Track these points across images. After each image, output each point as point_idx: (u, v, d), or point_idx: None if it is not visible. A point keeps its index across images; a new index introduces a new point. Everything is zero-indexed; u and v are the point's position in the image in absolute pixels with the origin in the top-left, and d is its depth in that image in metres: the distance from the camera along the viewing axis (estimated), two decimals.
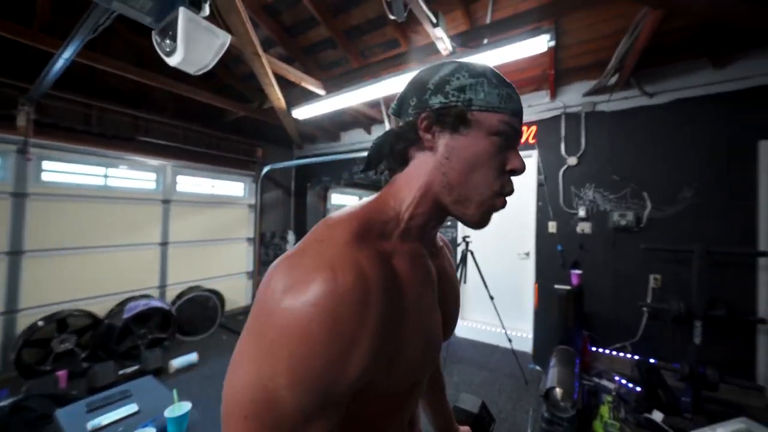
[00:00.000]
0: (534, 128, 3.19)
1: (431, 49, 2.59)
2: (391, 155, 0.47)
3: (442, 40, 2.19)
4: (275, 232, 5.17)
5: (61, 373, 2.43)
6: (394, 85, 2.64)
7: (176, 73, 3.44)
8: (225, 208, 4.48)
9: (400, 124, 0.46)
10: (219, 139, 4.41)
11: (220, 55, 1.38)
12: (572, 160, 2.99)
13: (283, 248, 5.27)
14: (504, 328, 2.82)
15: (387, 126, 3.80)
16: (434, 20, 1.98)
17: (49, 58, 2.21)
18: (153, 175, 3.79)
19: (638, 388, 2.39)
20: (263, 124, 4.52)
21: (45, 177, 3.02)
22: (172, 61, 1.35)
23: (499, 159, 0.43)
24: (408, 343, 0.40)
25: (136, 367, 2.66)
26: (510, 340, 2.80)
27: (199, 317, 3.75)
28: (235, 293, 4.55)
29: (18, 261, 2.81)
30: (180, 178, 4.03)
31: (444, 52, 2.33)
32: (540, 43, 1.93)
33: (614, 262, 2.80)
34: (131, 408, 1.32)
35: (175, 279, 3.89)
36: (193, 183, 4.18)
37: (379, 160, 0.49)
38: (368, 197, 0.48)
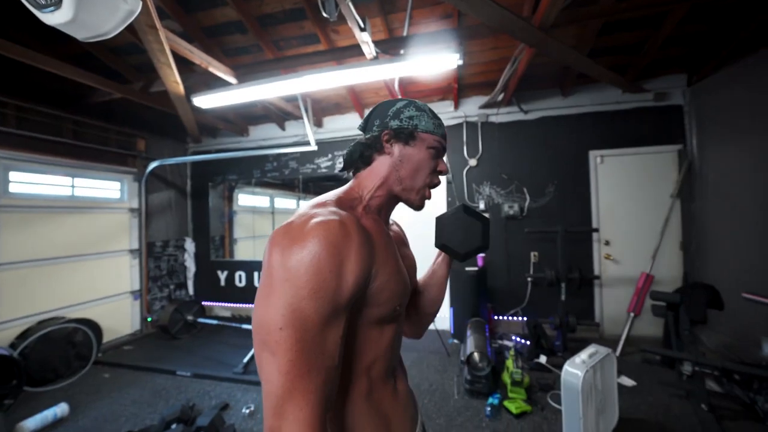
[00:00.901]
0: None
1: (354, 50, 2.66)
2: (360, 159, 0.65)
3: (367, 44, 2.28)
4: (168, 240, 4.35)
5: None
6: (315, 81, 2.58)
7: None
8: (95, 213, 3.52)
9: (367, 137, 0.65)
10: (78, 125, 3.41)
11: (126, 24, 1.13)
12: (473, 162, 3.55)
13: (181, 259, 4.47)
14: None
15: (306, 122, 3.67)
16: (362, 25, 2.05)
17: None
18: None
19: (528, 342, 3.04)
20: (145, 110, 3.71)
21: None
22: (52, 19, 1.03)
23: (432, 164, 0.65)
24: (387, 273, 0.55)
25: None
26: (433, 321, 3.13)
27: (62, 357, 2.86)
28: (117, 319, 3.65)
29: None
30: (15, 175, 2.97)
31: (368, 56, 2.43)
32: (451, 60, 2.23)
33: (506, 244, 3.47)
34: None
35: (14, 313, 2.86)
36: (38, 183, 3.14)
37: (352, 162, 0.67)
38: (340, 188, 0.65)
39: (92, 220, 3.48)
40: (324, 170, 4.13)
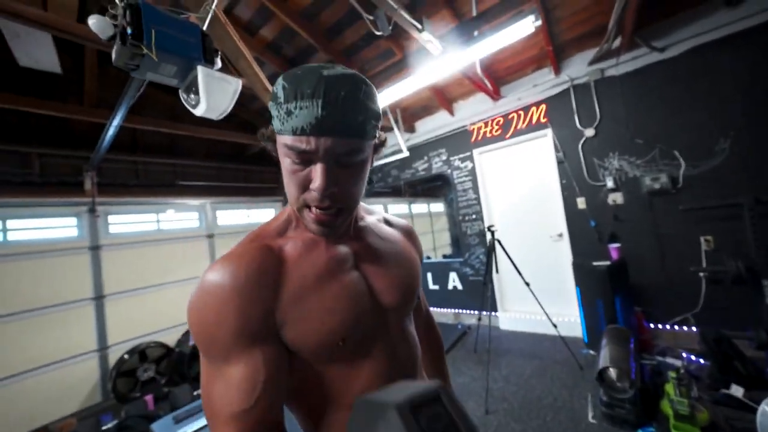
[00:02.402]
0: (543, 107, 3.11)
1: (425, 51, 2.67)
2: None
3: (431, 42, 2.26)
4: None
5: (148, 398, 2.82)
6: (394, 93, 2.76)
7: (200, 121, 3.87)
8: None
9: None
10: (246, 172, 4.80)
11: (236, 98, 1.58)
12: (589, 132, 2.86)
13: None
14: (546, 314, 2.72)
15: (396, 132, 3.90)
16: (419, 27, 2.07)
17: (100, 127, 2.63)
18: (196, 214, 4.23)
19: (706, 362, 2.19)
20: None
21: (112, 230, 3.51)
22: (198, 111, 1.57)
23: (299, 176, 0.45)
24: (309, 309, 0.47)
25: None
26: (555, 326, 2.70)
27: None
28: None
29: (102, 304, 3.28)
30: (219, 213, 4.44)
31: (435, 53, 2.40)
32: (526, 25, 1.94)
33: (656, 228, 2.61)
34: None
35: None
36: (231, 216, 4.58)
37: None
38: None
39: None
40: (422, 173, 4.24)
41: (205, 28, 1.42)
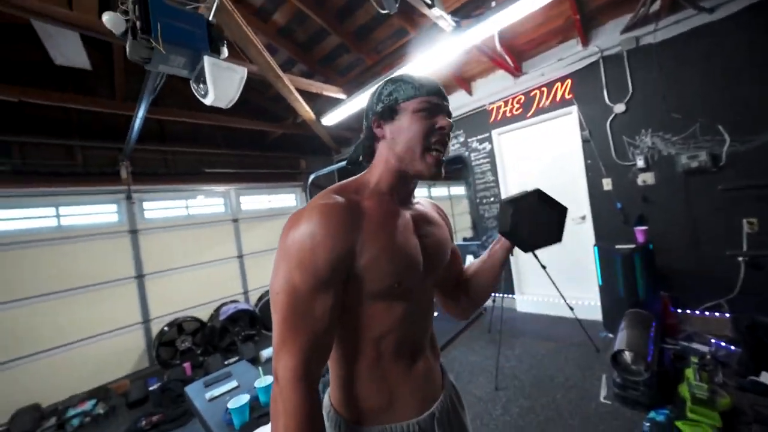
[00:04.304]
0: (569, 82, 2.91)
1: (437, 28, 2.56)
2: (365, 152, 0.70)
3: (442, 17, 2.16)
4: None
5: (186, 365, 3.13)
6: (407, 70, 2.67)
7: (217, 109, 3.96)
8: (283, 218, 5.01)
9: (364, 132, 0.69)
10: (267, 159, 4.93)
11: (242, 86, 1.62)
12: (619, 107, 2.65)
13: None
14: (563, 297, 2.68)
15: None
16: (429, 2, 1.98)
17: (131, 120, 2.80)
18: (221, 200, 4.44)
19: (737, 349, 2.08)
20: (300, 137, 4.91)
21: (147, 215, 3.79)
22: (207, 100, 1.63)
23: (426, 124, 0.62)
24: (377, 250, 0.58)
25: (236, 358, 3.26)
26: (572, 309, 2.66)
27: None
28: None
29: (143, 282, 3.61)
30: (243, 198, 4.64)
31: (447, 29, 2.30)
32: None
33: (689, 210, 2.44)
34: (233, 384, 1.75)
35: (254, 285, 4.52)
36: (253, 201, 4.77)
37: (357, 158, 0.73)
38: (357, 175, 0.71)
39: (282, 223, 4.96)
40: None
41: (212, 17, 1.45)
